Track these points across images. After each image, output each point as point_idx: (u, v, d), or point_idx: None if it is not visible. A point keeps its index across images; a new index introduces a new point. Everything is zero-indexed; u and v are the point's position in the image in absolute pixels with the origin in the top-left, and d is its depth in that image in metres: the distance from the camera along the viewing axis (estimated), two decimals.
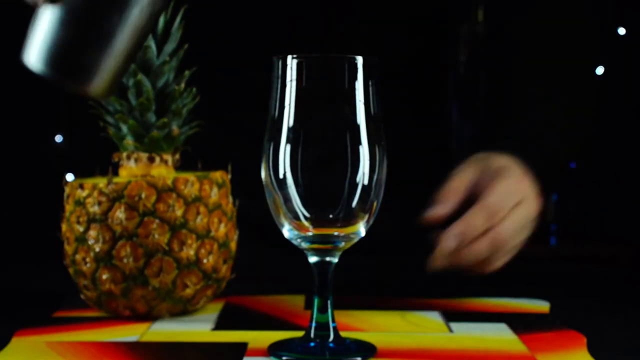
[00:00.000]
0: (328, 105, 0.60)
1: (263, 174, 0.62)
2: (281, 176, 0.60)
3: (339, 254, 0.63)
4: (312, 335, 0.63)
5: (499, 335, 0.68)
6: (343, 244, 0.62)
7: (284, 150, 0.60)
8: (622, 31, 1.81)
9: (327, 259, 0.63)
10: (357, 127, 0.60)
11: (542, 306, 0.80)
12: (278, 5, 1.01)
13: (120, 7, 0.57)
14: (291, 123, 0.60)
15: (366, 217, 0.62)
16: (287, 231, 0.62)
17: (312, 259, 0.63)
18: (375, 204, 0.62)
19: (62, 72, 0.58)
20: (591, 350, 0.63)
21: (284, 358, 0.61)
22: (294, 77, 0.60)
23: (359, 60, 0.60)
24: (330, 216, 0.61)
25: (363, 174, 0.60)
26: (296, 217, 0.61)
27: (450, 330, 0.70)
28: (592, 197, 1.82)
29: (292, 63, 0.60)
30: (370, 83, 0.60)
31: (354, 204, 0.60)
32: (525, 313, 0.77)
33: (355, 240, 0.63)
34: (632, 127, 1.78)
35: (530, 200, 0.80)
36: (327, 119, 0.60)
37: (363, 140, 0.60)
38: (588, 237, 1.79)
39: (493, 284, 0.86)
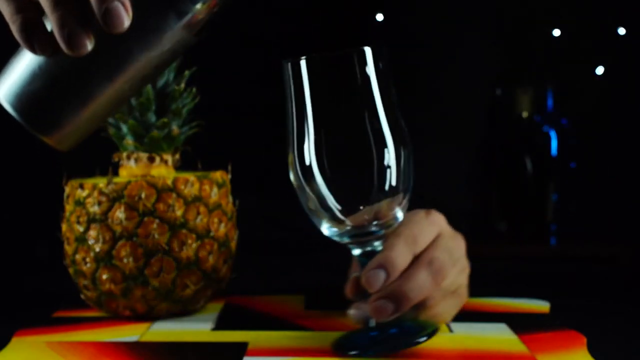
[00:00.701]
0: (344, 99, 0.60)
1: (292, 178, 0.62)
2: (311, 178, 0.60)
3: (381, 241, 0.63)
4: (372, 325, 0.63)
5: (499, 335, 0.68)
6: (383, 231, 0.62)
7: (310, 153, 0.60)
8: (622, 31, 1.81)
9: (369, 248, 0.63)
10: (377, 114, 0.60)
11: (542, 306, 0.80)
12: (278, 5, 1.01)
13: (112, 77, 0.55)
14: (311, 124, 0.60)
15: (400, 198, 0.61)
16: (326, 229, 0.62)
17: (356, 252, 0.63)
18: (407, 185, 0.61)
19: (29, 119, 0.56)
20: (591, 350, 0.63)
21: (351, 353, 0.61)
22: (306, 78, 0.60)
23: (367, 50, 0.60)
24: (361, 208, 0.61)
25: (389, 158, 0.60)
26: (333, 215, 0.61)
27: (450, 330, 0.70)
28: (592, 197, 1.82)
29: (302, 65, 0.60)
30: (382, 71, 0.60)
31: (387, 188, 0.60)
32: (525, 313, 0.77)
33: (395, 225, 0.63)
34: (632, 127, 1.78)
35: (450, 233, 0.69)
36: (346, 114, 0.60)
37: (384, 126, 0.60)
38: (588, 237, 1.78)
39: (493, 284, 0.86)
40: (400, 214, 0.62)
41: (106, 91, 0.56)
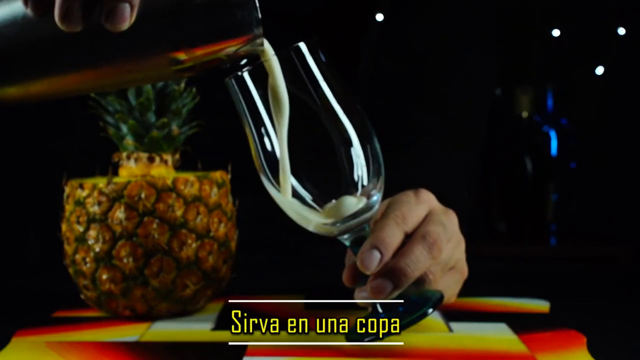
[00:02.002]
0: (296, 99, 0.60)
1: (266, 186, 0.62)
2: (287, 185, 0.60)
3: (367, 225, 0.63)
4: (379, 310, 0.63)
5: (499, 335, 0.68)
6: (368, 215, 0.62)
7: (279, 159, 0.60)
8: (622, 31, 1.81)
9: (357, 236, 0.63)
10: (331, 106, 0.60)
11: (542, 306, 0.80)
12: (278, 7, 1.01)
13: (78, 66, 0.55)
14: (272, 133, 0.60)
15: (375, 182, 0.62)
16: (313, 228, 0.62)
17: (347, 242, 0.63)
18: (378, 167, 0.62)
19: None
20: (591, 350, 0.63)
21: (367, 340, 0.61)
22: (253, 89, 0.60)
23: (302, 46, 0.60)
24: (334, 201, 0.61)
25: (354, 146, 0.60)
26: (315, 211, 0.61)
27: (450, 330, 0.70)
28: (592, 197, 1.82)
29: (246, 77, 0.60)
30: (322, 62, 0.60)
31: (359, 185, 0.61)
32: (525, 313, 0.77)
33: (376, 207, 0.63)
34: (632, 127, 1.78)
35: (441, 209, 0.69)
36: (302, 113, 0.60)
37: (341, 115, 0.60)
38: (588, 237, 1.79)
39: (493, 284, 0.86)
40: (377, 195, 0.62)
41: (65, 74, 0.56)
